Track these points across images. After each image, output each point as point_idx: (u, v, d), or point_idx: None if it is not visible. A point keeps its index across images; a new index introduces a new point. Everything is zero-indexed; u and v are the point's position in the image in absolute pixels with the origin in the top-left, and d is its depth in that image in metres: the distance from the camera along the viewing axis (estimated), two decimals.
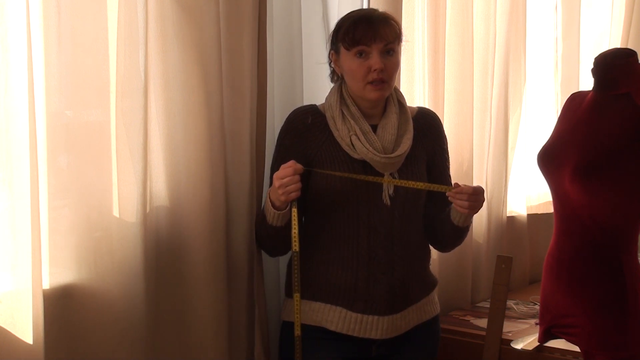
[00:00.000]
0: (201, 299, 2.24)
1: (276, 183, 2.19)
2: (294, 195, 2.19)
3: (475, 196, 2.26)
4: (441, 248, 2.56)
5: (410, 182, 2.30)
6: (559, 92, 3.79)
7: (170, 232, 2.21)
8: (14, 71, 1.84)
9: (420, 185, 2.30)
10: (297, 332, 2.23)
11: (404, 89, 2.94)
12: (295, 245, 2.22)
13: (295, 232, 2.22)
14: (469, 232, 3.23)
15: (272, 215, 2.25)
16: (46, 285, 1.96)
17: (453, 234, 2.42)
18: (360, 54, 2.26)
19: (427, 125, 2.44)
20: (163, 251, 2.20)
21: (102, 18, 2.02)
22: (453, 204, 2.30)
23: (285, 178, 2.18)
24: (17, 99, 1.84)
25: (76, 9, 1.98)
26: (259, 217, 2.35)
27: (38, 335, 1.87)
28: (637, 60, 2.59)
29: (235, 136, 2.33)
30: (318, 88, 2.59)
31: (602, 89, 2.60)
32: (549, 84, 3.83)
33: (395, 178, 2.32)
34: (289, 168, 2.18)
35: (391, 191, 2.32)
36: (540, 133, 3.50)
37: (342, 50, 2.29)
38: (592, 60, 2.63)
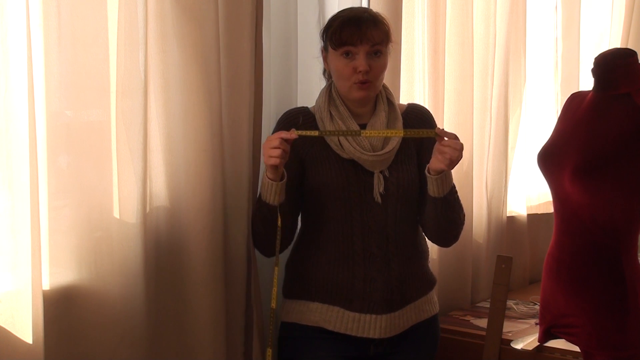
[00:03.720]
0: (200, 299, 2.24)
1: (264, 144, 2.21)
2: (272, 160, 2.17)
3: (459, 151, 2.23)
4: (435, 238, 2.47)
5: (387, 131, 2.29)
6: (559, 92, 3.79)
7: (170, 233, 2.21)
8: (14, 71, 1.83)
9: (399, 133, 2.29)
10: (273, 304, 2.23)
11: (404, 88, 2.94)
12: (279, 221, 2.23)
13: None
14: (470, 231, 3.26)
15: (266, 189, 2.23)
16: (46, 285, 1.96)
17: (434, 211, 2.33)
18: (346, 54, 2.27)
19: (417, 120, 2.42)
20: (163, 251, 2.20)
21: (102, 18, 2.02)
22: (433, 156, 2.26)
23: (271, 141, 2.18)
24: (17, 99, 1.84)
25: (76, 9, 1.98)
26: (254, 207, 2.34)
27: (38, 335, 1.87)
28: (637, 60, 2.59)
29: (235, 136, 2.33)
30: (313, 87, 2.59)
31: (602, 89, 2.60)
32: (549, 84, 3.82)
33: (386, 176, 2.32)
34: (277, 133, 2.20)
35: (382, 189, 2.32)
36: (540, 133, 3.50)
37: (330, 49, 2.31)
38: (592, 60, 2.63)
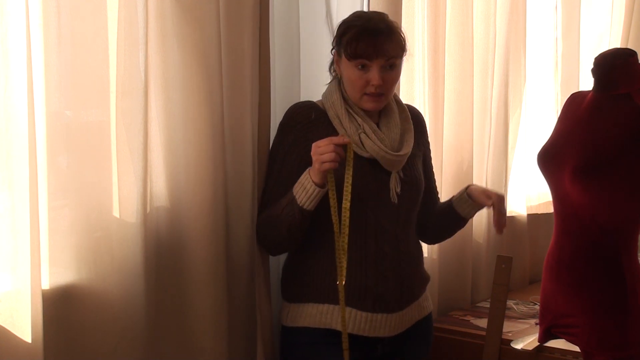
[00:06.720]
0: (201, 299, 2.23)
1: (312, 150, 2.17)
2: (327, 165, 2.14)
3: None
4: (430, 242, 2.63)
5: None
6: (559, 92, 3.79)
7: (170, 233, 2.21)
8: (14, 71, 1.83)
9: None
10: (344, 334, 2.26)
11: (404, 89, 2.94)
12: (337, 228, 2.19)
13: (334, 213, 2.18)
14: (470, 231, 3.26)
15: (309, 194, 2.19)
16: (46, 285, 1.96)
17: (454, 227, 2.56)
18: (361, 66, 2.25)
19: (419, 124, 2.47)
20: (163, 251, 2.19)
21: (102, 18, 2.02)
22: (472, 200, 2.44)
23: (321, 147, 2.15)
24: (17, 99, 1.84)
25: (76, 9, 1.97)
26: (277, 208, 2.27)
27: (37, 335, 1.87)
28: (637, 60, 2.60)
29: (236, 136, 2.33)
30: (316, 84, 2.59)
31: (602, 89, 2.60)
32: (549, 84, 3.82)
33: (400, 176, 2.34)
34: (326, 139, 2.17)
35: (398, 189, 2.32)
36: (540, 133, 3.50)
37: (343, 57, 2.28)
38: (592, 60, 2.63)
